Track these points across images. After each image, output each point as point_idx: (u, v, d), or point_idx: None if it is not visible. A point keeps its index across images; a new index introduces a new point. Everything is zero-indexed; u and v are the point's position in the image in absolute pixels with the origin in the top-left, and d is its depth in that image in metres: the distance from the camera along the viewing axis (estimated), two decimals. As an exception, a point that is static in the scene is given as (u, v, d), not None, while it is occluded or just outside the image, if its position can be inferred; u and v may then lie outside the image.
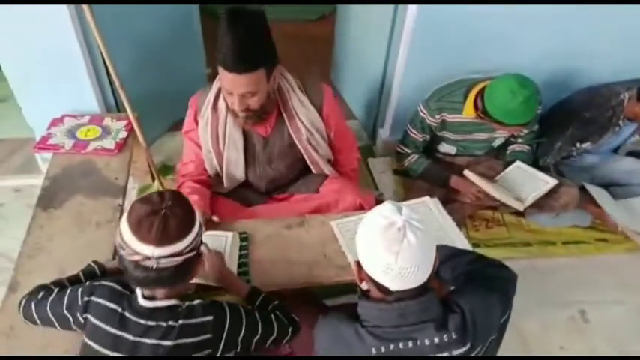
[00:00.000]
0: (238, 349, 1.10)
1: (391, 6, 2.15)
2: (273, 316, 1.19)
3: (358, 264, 1.02)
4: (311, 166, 1.75)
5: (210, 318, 1.04)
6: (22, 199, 2.19)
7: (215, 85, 1.58)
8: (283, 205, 1.76)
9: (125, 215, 0.96)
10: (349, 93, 2.96)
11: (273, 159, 1.71)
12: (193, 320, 1.02)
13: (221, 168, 1.70)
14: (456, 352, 0.97)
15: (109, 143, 1.81)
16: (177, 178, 1.77)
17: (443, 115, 2.01)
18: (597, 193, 2.12)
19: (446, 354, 0.97)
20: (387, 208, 0.97)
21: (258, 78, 1.40)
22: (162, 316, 1.01)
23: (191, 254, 0.98)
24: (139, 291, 1.03)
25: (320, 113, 1.65)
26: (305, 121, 1.62)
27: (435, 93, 2.02)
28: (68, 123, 1.91)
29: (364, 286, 1.05)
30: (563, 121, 2.09)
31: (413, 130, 2.13)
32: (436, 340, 0.96)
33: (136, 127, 1.83)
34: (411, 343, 0.96)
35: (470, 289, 1.11)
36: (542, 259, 2.10)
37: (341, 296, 1.79)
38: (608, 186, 2.26)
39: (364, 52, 2.58)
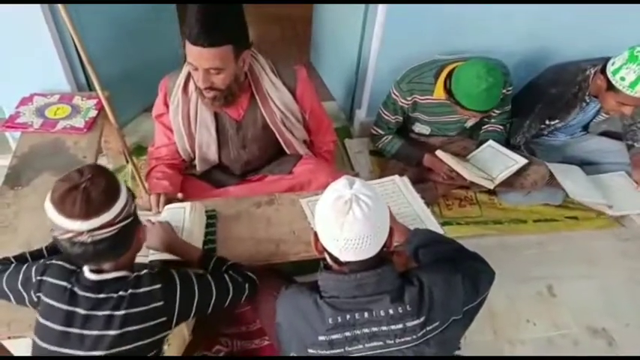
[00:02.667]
0: (192, 314, 1.12)
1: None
2: (227, 276, 1.21)
3: (315, 234, 1.05)
4: (285, 148, 1.75)
5: (158, 286, 1.05)
6: (-7, 179, 2.17)
7: (185, 69, 1.56)
8: (256, 185, 1.77)
9: (48, 196, 0.94)
10: (327, 74, 2.95)
11: (247, 143, 1.70)
12: (142, 289, 1.03)
13: (193, 151, 1.69)
14: (410, 324, 0.99)
15: (78, 122, 1.79)
16: (148, 162, 1.76)
17: (414, 96, 2.01)
18: (561, 170, 2.14)
19: (400, 325, 0.99)
20: (340, 182, 1.00)
21: (223, 55, 1.37)
22: (111, 287, 1.02)
23: (126, 222, 0.98)
24: (86, 266, 1.03)
25: (294, 95, 1.64)
26: (278, 104, 1.61)
27: (406, 75, 2.02)
28: (37, 102, 1.88)
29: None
30: (532, 99, 2.11)
31: (386, 112, 2.13)
32: (391, 311, 0.99)
33: (106, 106, 1.81)
34: (366, 314, 0.99)
35: (435, 266, 1.13)
36: (512, 236, 2.14)
37: (312, 274, 1.81)
38: (580, 164, 2.30)
39: (340, 32, 2.57)
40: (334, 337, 0.99)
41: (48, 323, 1.02)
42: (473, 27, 2.17)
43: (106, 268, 1.03)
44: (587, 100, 2.01)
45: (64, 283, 1.03)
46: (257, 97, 1.59)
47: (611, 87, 1.84)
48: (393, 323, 0.99)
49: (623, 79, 1.79)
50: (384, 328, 0.99)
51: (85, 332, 1.00)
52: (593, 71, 1.94)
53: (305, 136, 1.78)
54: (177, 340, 1.18)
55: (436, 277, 1.06)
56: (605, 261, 2.09)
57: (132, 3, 2.20)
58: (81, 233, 0.92)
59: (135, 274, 1.05)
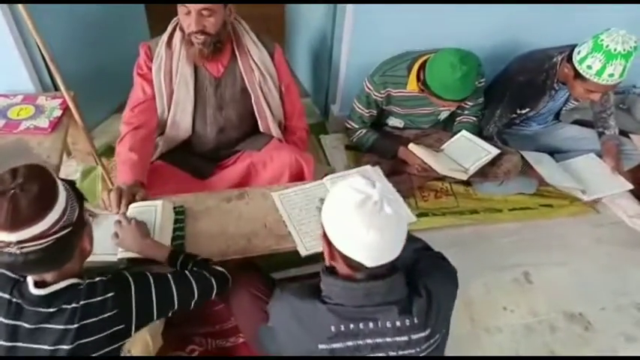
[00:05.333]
0: (155, 318, 1.07)
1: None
2: (191, 275, 1.16)
3: (328, 242, 0.97)
4: (259, 120, 1.75)
5: (111, 294, 0.99)
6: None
7: (169, 27, 1.63)
8: (230, 170, 1.77)
9: None
10: (301, 71, 2.94)
11: (223, 104, 1.71)
12: (94, 299, 0.97)
13: (169, 112, 1.68)
14: (415, 337, 0.96)
15: (42, 122, 1.75)
16: (121, 127, 1.67)
17: (388, 89, 2.01)
18: (534, 158, 2.15)
19: (405, 338, 0.95)
20: (358, 182, 0.93)
21: None
22: (62, 299, 0.95)
23: (62, 233, 0.88)
24: (29, 278, 0.95)
25: (272, 59, 1.71)
26: (258, 62, 1.67)
27: (378, 68, 2.02)
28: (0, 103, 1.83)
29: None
30: (501, 89, 2.11)
31: (359, 106, 2.13)
32: (398, 323, 0.95)
33: (71, 105, 1.77)
34: (371, 324, 0.94)
35: (439, 275, 1.09)
36: (488, 226, 2.14)
37: (290, 269, 1.79)
38: (553, 153, 2.32)
39: (312, 29, 2.57)
40: (336, 345, 0.94)
41: None
42: (442, 20, 2.18)
43: (48, 279, 0.95)
44: (556, 88, 2.03)
45: (6, 296, 0.95)
46: (237, 52, 1.65)
47: (578, 75, 1.86)
48: (399, 335, 0.95)
49: (589, 67, 1.81)
50: (388, 339, 0.95)
51: (35, 346, 0.93)
52: (560, 58, 1.96)
53: (280, 115, 1.79)
54: (139, 347, 1.14)
55: (442, 287, 1.03)
56: (580, 247, 2.11)
57: (97, 3, 2.16)
58: (8, 244, 0.83)
59: (87, 282, 0.98)
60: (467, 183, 2.25)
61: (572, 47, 1.90)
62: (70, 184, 0.97)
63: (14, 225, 0.83)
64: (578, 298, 1.90)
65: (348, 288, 0.95)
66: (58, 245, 0.88)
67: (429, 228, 2.07)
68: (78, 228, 0.93)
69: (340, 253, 0.94)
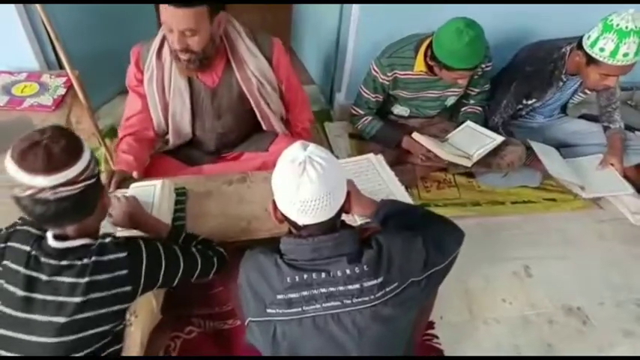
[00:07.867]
0: (158, 285, 1.10)
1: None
2: (194, 249, 1.20)
3: (274, 202, 1.04)
4: (261, 121, 1.72)
5: (124, 254, 1.03)
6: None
7: (159, 34, 1.55)
8: (230, 164, 1.74)
9: (8, 153, 0.92)
10: (308, 59, 2.93)
11: (221, 113, 1.67)
12: (106, 257, 1.01)
13: (167, 122, 1.66)
14: (367, 284, 1.00)
15: (46, 99, 1.75)
16: (119, 136, 1.71)
17: (395, 72, 1.99)
18: (541, 148, 2.13)
19: (357, 285, 1.00)
20: (294, 146, 0.99)
21: (198, 15, 1.36)
22: (75, 255, 1.00)
23: (89, 182, 0.96)
24: (49, 232, 1.01)
25: (270, 63, 1.62)
26: (254, 70, 1.59)
27: (386, 50, 2.01)
28: (3, 79, 1.84)
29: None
30: (508, 79, 2.09)
31: (366, 91, 2.11)
32: (348, 271, 0.99)
33: (75, 84, 1.77)
34: (323, 274, 1.00)
35: (396, 231, 1.15)
36: (490, 218, 2.14)
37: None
38: (559, 147, 2.30)
39: (319, 17, 2.56)
40: (292, 295, 1.00)
41: (10, 287, 0.99)
42: (451, 8, 2.14)
43: (69, 233, 1.01)
44: (564, 79, 2.00)
45: (27, 248, 1.01)
46: (233, 62, 1.57)
47: (591, 60, 1.82)
48: (350, 283, 0.99)
49: (602, 49, 1.77)
50: (340, 288, 0.99)
51: (49, 298, 0.99)
52: (568, 49, 1.93)
53: (282, 110, 1.75)
54: (144, 311, 1.15)
55: (395, 239, 1.07)
56: (581, 242, 2.10)
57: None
58: (43, 189, 0.90)
59: (99, 241, 1.03)
60: (470, 175, 2.24)
61: (580, 37, 1.87)
62: None
63: (49, 169, 0.90)
64: (577, 293, 1.90)
65: (297, 244, 1.01)
66: (86, 193, 0.96)
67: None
68: (99, 181, 1.02)
69: (281, 213, 1.02)
